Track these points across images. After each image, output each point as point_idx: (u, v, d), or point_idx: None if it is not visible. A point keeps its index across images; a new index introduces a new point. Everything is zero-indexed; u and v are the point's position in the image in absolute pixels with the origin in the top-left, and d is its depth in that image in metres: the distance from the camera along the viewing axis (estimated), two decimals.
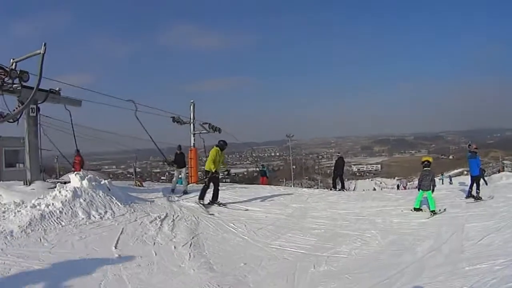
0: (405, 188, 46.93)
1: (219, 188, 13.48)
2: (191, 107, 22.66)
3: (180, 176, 16.02)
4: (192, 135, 22.75)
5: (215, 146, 13.40)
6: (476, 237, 8.69)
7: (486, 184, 20.49)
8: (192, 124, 22.77)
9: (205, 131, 23.13)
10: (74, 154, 19.52)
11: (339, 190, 18.99)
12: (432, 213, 11.47)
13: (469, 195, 13.49)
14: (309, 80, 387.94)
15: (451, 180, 44.43)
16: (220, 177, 13.73)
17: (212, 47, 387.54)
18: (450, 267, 6.79)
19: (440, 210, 11.70)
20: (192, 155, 22.65)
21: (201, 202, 12.81)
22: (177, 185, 15.72)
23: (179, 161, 16.19)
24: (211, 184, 13.17)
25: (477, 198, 13.15)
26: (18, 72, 11.81)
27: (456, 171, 70.93)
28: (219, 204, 13.03)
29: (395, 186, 64.30)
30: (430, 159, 12.82)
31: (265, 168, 29.42)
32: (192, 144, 22.50)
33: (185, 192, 14.84)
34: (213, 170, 12.86)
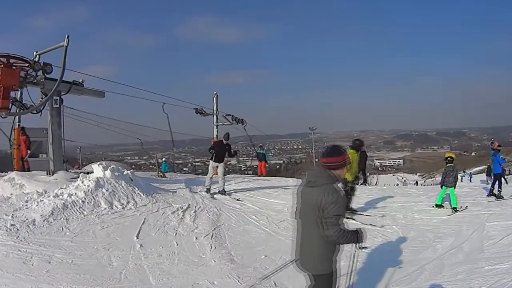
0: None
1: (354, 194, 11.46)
2: (214, 98, 22.56)
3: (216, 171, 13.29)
4: (215, 127, 22.68)
5: (349, 148, 11.13)
6: (497, 236, 8.61)
7: (507, 183, 20.23)
8: (215, 116, 22.70)
9: (228, 123, 23.06)
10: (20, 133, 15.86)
11: (361, 184, 18.90)
12: (454, 210, 11.37)
13: (491, 193, 13.35)
14: (332, 72, 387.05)
15: (471, 177, 43.81)
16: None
17: (231, 38, 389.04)
18: (470, 266, 6.76)
19: (461, 207, 11.59)
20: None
21: None
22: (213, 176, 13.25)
23: (219, 152, 13.27)
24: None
25: (499, 196, 12.99)
26: (42, 64, 11.98)
27: (477, 168, 69.66)
28: (353, 211, 11.20)
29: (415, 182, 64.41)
30: (454, 155, 12.66)
31: (264, 151, 26.16)
32: (215, 136, 22.43)
33: (222, 193, 13.01)
34: (349, 180, 10.98)
